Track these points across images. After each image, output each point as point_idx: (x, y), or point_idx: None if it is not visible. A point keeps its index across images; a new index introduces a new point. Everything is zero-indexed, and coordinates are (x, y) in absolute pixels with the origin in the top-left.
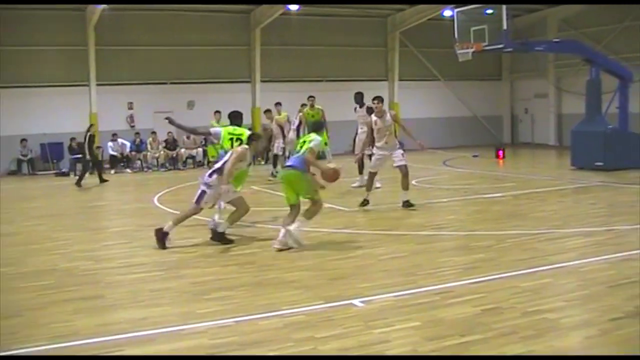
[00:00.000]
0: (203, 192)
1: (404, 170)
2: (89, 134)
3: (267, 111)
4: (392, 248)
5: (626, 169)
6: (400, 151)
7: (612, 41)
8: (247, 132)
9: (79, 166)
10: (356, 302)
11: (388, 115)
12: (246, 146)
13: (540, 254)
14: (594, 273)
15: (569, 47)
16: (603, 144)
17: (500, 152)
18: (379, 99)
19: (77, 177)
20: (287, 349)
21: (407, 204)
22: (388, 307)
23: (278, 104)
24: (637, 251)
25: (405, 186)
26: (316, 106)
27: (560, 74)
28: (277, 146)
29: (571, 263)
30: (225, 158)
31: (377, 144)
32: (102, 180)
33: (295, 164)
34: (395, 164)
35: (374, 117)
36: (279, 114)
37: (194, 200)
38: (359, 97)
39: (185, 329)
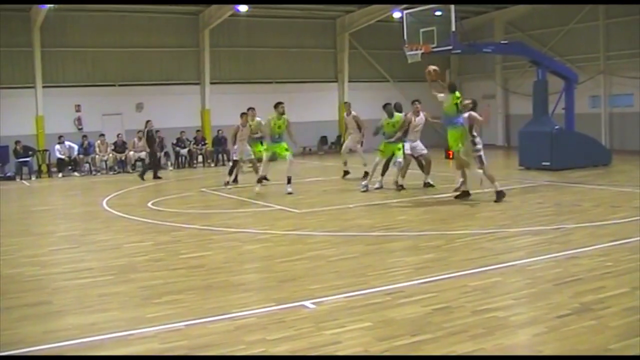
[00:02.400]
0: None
1: (429, 158)
2: (146, 129)
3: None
4: (343, 249)
5: (572, 168)
6: (420, 143)
7: (558, 43)
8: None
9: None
10: (307, 303)
11: (422, 114)
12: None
13: (489, 253)
14: (541, 271)
15: (515, 49)
16: (550, 144)
17: (450, 153)
18: (418, 101)
19: (139, 171)
20: (238, 352)
21: (429, 185)
22: (339, 308)
23: (252, 108)
24: (583, 249)
25: (428, 171)
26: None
27: (507, 76)
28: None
29: (519, 262)
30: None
31: (410, 137)
32: (156, 177)
33: None
34: (419, 153)
35: (410, 116)
36: (252, 120)
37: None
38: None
39: (134, 333)
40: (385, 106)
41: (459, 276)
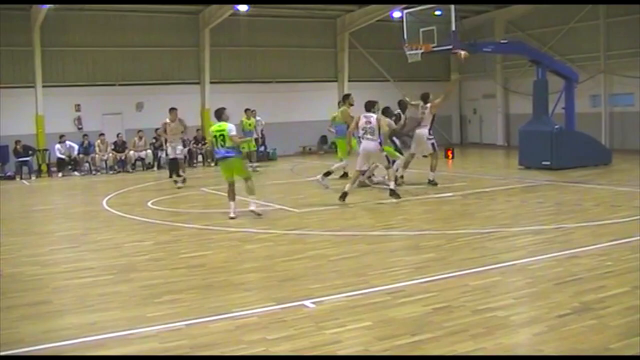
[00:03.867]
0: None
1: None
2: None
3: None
4: (343, 249)
5: (572, 167)
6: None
7: (558, 42)
8: (228, 126)
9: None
10: (307, 303)
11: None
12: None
13: (489, 253)
14: (542, 271)
15: (515, 48)
16: (550, 143)
17: (450, 152)
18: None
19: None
20: (238, 351)
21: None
22: (339, 307)
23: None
24: (583, 249)
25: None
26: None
27: (507, 75)
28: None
29: (520, 261)
30: None
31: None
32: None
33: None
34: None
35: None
36: (249, 119)
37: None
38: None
39: (134, 333)
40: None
41: (459, 275)
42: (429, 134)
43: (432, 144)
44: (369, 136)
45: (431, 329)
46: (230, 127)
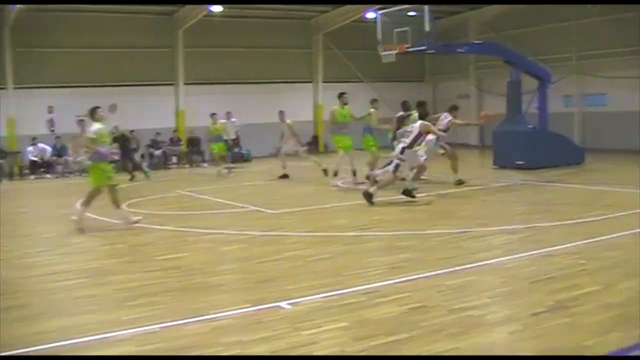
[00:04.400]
0: (398, 165)
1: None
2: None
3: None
4: (319, 250)
5: (546, 167)
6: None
7: (531, 43)
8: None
9: None
10: (284, 304)
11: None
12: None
13: (464, 252)
14: (516, 270)
15: (489, 49)
16: (524, 143)
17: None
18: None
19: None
20: (215, 353)
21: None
22: (315, 308)
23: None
24: (557, 247)
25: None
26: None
27: (481, 75)
28: None
29: (495, 260)
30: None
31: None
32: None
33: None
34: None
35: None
36: (215, 123)
37: (392, 170)
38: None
39: (110, 336)
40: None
41: (434, 275)
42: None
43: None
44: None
45: (407, 329)
46: (93, 129)
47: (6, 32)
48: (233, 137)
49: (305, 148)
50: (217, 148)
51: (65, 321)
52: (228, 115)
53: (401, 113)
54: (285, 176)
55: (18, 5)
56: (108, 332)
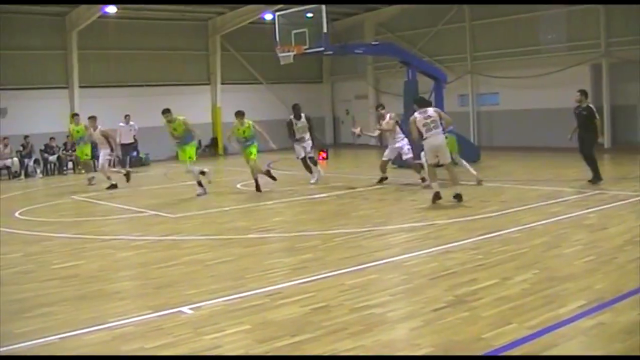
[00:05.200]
0: None
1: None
2: None
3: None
4: (219, 253)
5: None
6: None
7: (427, 44)
8: None
9: None
10: (185, 309)
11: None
12: None
13: (365, 251)
14: (417, 267)
15: (386, 50)
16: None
17: (324, 153)
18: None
19: None
20: None
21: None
22: (218, 312)
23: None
24: (456, 243)
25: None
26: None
27: (378, 76)
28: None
29: (395, 258)
30: None
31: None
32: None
33: None
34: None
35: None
36: (78, 124)
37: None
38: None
39: (3, 350)
40: (294, 106)
41: (336, 275)
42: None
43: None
44: (433, 130)
45: (310, 329)
46: None
47: None
48: (131, 140)
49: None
50: (80, 154)
51: None
52: (127, 118)
53: (291, 117)
54: (114, 186)
55: None
56: (1, 347)
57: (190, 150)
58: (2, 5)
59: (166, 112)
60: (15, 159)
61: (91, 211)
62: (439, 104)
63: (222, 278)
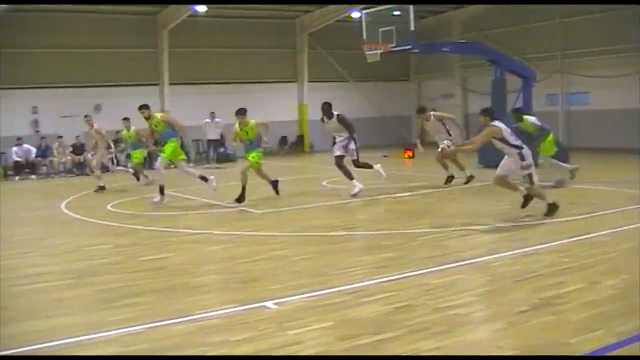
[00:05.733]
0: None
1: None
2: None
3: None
4: (303, 249)
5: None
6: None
7: (515, 42)
8: None
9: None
10: (269, 304)
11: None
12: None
13: (449, 251)
14: (501, 268)
15: (473, 48)
16: None
17: (409, 152)
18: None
19: None
20: (200, 354)
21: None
22: (300, 308)
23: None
24: (542, 246)
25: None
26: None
27: (465, 74)
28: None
29: (479, 259)
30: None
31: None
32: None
33: None
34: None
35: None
36: (128, 129)
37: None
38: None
39: (94, 337)
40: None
41: (419, 274)
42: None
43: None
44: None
45: (392, 328)
46: None
47: None
48: (217, 137)
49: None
50: (136, 156)
51: (48, 323)
52: (212, 115)
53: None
54: (102, 188)
55: (1, 5)
56: (92, 334)
57: (168, 147)
58: (99, 5)
59: (142, 107)
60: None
61: (180, 205)
62: (527, 104)
63: (305, 274)
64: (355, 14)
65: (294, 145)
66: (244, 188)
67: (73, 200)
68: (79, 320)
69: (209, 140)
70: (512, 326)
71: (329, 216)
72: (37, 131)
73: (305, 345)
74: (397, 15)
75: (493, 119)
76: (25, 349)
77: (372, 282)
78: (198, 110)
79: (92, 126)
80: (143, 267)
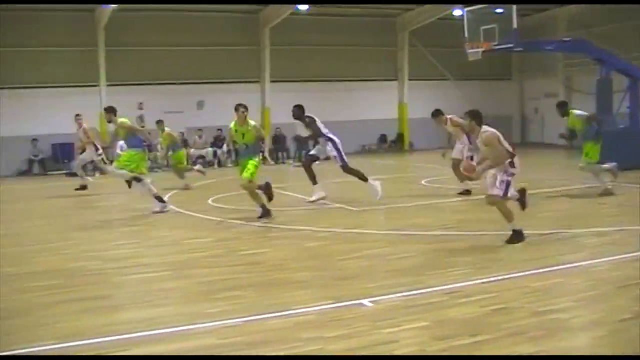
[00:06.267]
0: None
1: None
2: None
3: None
4: (401, 248)
5: (637, 169)
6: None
7: (623, 40)
8: None
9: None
10: (365, 302)
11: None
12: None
13: (550, 254)
14: (603, 273)
15: (578, 47)
16: (614, 144)
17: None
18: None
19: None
20: (295, 349)
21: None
22: (397, 307)
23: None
24: None
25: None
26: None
27: (570, 74)
28: None
29: (581, 263)
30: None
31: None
32: None
33: None
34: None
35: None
36: (162, 131)
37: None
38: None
39: (193, 328)
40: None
41: (519, 277)
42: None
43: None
44: None
45: (490, 330)
46: None
47: (100, 32)
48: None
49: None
50: (176, 158)
51: (148, 312)
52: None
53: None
54: (84, 187)
55: (112, 6)
56: (191, 325)
57: (125, 156)
58: (204, 5)
59: (108, 110)
60: (210, 149)
61: (279, 202)
62: (634, 105)
63: (402, 273)
64: (457, 12)
65: (394, 143)
66: (263, 206)
67: (175, 195)
68: (178, 310)
69: (304, 138)
70: (612, 334)
71: (427, 215)
72: (143, 127)
73: (400, 345)
74: (499, 13)
75: (482, 123)
76: (127, 336)
77: (469, 283)
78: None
79: (80, 126)
80: (242, 262)
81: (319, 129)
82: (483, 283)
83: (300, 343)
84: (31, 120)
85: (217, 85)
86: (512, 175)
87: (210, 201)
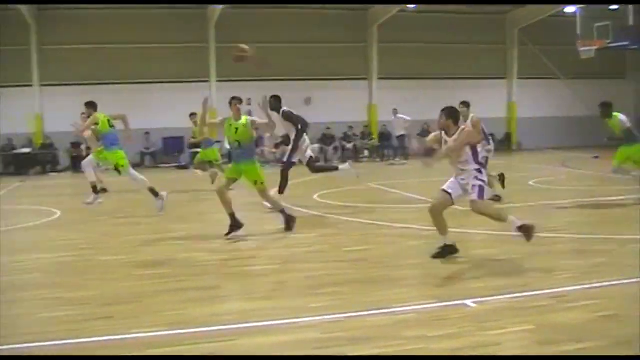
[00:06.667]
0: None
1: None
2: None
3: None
4: (506, 249)
5: None
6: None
7: None
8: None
9: None
10: (469, 302)
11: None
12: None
13: None
14: None
15: None
16: None
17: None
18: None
19: None
20: (397, 347)
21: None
22: (501, 308)
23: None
24: None
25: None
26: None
27: None
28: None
29: None
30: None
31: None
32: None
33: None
34: None
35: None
36: (196, 126)
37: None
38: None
39: (296, 322)
40: None
41: (628, 283)
42: None
43: None
44: None
45: (596, 337)
46: None
47: (210, 29)
48: (402, 133)
49: None
50: (205, 155)
51: (254, 304)
52: (394, 111)
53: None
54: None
55: (222, 5)
56: (294, 318)
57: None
58: (313, 4)
59: (88, 105)
60: (316, 146)
61: (385, 199)
62: None
63: (507, 275)
64: (569, 9)
65: (501, 143)
66: (283, 212)
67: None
68: (282, 304)
69: (397, 137)
70: None
71: (534, 217)
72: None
73: (503, 347)
74: (614, 10)
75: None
76: (232, 326)
77: (577, 287)
78: (408, 104)
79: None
80: (345, 258)
81: (298, 120)
82: (591, 288)
83: (401, 341)
84: (144, 114)
85: (324, 82)
86: (482, 181)
87: (315, 196)
